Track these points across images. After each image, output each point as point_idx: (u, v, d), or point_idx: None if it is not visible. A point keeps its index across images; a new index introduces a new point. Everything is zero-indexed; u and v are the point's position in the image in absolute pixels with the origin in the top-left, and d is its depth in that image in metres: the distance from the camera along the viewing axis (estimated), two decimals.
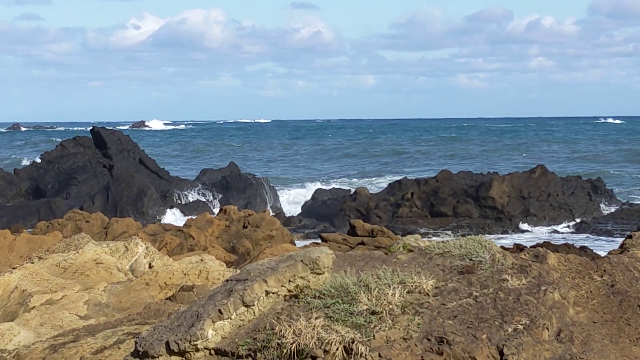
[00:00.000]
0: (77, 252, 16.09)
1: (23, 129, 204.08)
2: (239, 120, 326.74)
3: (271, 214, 35.94)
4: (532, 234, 47.88)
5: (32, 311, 13.64)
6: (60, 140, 59.55)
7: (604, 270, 9.50)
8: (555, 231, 49.11)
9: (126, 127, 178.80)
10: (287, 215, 50.15)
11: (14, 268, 15.86)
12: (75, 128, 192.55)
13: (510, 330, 7.87)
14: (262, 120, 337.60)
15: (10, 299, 14.35)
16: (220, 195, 51.19)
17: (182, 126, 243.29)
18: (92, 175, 50.92)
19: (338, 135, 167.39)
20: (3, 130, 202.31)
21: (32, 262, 15.99)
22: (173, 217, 45.26)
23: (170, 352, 8.06)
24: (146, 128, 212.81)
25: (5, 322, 13.42)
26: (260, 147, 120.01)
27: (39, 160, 53.40)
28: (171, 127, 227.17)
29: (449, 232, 44.60)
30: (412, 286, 8.36)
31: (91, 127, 58.12)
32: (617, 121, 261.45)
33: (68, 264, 15.86)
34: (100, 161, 52.55)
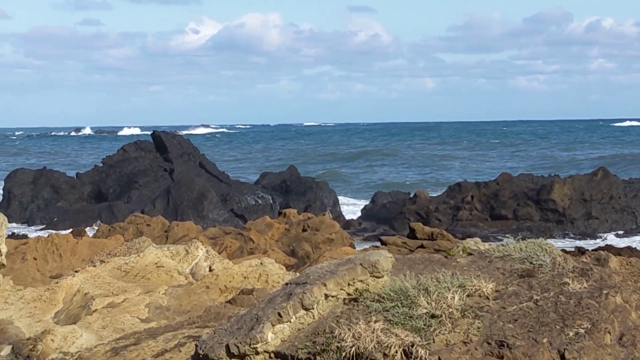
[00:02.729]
0: (139, 256, 16.22)
1: (85, 132, 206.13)
2: (305, 124, 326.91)
3: (330, 217, 35.96)
4: (594, 237, 47.43)
5: (94, 314, 13.78)
6: (122, 144, 60.04)
7: None
8: (618, 234, 48.59)
9: (185, 132, 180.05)
10: (347, 218, 50.14)
11: (76, 271, 16.03)
12: (135, 132, 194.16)
13: (571, 334, 7.80)
14: (322, 123, 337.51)
15: (73, 301, 14.50)
16: (280, 199, 51.31)
17: (237, 128, 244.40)
18: (153, 179, 51.27)
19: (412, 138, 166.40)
20: (65, 134, 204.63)
21: (94, 266, 16.15)
22: None
23: (230, 355, 8.09)
24: (205, 131, 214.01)
25: (68, 324, 13.57)
26: (325, 150, 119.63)
27: (100, 165, 53.87)
28: (226, 130, 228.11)
29: (509, 235, 44.30)
30: (471, 289, 8.31)
31: (152, 132, 58.53)
32: None
33: (129, 267, 15.99)
34: (161, 165, 52.92)
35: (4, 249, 16.96)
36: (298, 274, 11.13)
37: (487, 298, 8.27)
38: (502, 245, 9.43)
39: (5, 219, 17.31)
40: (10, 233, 31.70)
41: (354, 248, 28.54)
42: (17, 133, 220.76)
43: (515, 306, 8.17)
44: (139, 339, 12.33)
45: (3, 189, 48.41)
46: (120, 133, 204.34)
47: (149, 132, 63.58)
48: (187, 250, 16.90)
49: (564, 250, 10.32)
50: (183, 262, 16.60)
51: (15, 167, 55.54)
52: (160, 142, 54.64)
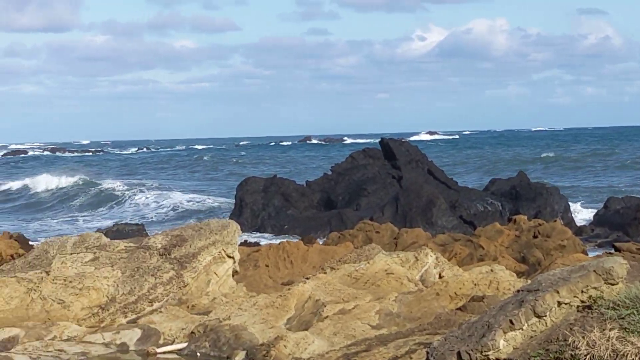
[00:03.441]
0: (368, 263, 16.34)
1: (313, 141, 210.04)
2: (532, 129, 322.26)
3: (562, 223, 35.28)
4: None
5: (326, 320, 13.95)
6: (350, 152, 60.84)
7: None
8: None
9: (410, 139, 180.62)
10: (578, 224, 49.08)
11: (307, 278, 16.30)
12: (362, 140, 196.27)
13: None
14: (550, 128, 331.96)
15: (304, 308, 14.73)
16: (509, 205, 50.69)
17: (463, 135, 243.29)
18: (382, 186, 51.64)
19: None
20: (295, 142, 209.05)
21: (325, 272, 16.36)
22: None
23: None
24: (430, 137, 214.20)
25: (299, 331, 13.79)
26: (554, 154, 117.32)
27: (329, 172, 54.73)
28: (451, 137, 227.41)
29: None
30: None
31: (380, 139, 59.00)
32: None
33: (359, 274, 16.12)
34: (390, 172, 53.24)
35: (237, 256, 17.44)
36: (529, 281, 10.95)
37: None
38: None
39: (238, 226, 17.80)
40: (242, 240, 32.59)
41: (587, 255, 27.87)
42: (241, 143, 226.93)
43: None
44: (370, 346, 12.41)
45: (235, 198, 49.80)
46: (347, 141, 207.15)
47: (376, 140, 63.77)
48: (416, 257, 16.91)
49: None
50: (412, 269, 16.62)
51: (246, 176, 57.09)
52: (389, 149, 55.00)
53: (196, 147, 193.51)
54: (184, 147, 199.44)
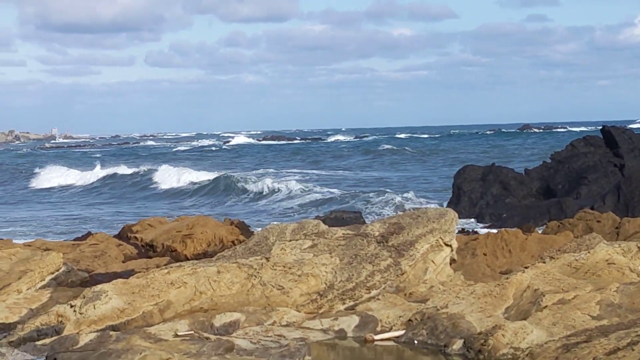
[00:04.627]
0: (588, 252, 15.99)
1: (534, 130, 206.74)
2: None
3: None
4: None
5: (544, 310, 13.74)
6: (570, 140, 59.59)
7: None
8: None
9: (636, 125, 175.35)
10: None
11: (526, 267, 16.09)
12: (581, 129, 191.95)
13: None
14: None
15: (523, 297, 14.55)
16: None
17: None
18: (603, 174, 50.36)
19: None
20: (513, 130, 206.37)
21: (544, 262, 16.12)
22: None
23: None
24: None
25: (518, 320, 13.64)
26: None
27: (549, 161, 53.78)
28: None
29: None
30: None
31: (601, 127, 57.57)
32: None
33: (579, 264, 15.80)
34: (611, 160, 51.88)
35: (455, 245, 17.39)
36: None
37: None
38: None
39: (456, 215, 17.74)
40: (460, 229, 32.47)
41: None
42: (451, 131, 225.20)
43: None
44: (590, 337, 12.15)
45: (453, 186, 49.62)
46: (571, 129, 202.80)
47: (597, 128, 62.18)
48: (638, 247, 16.42)
49: None
50: (635, 259, 16.15)
51: (465, 164, 56.82)
52: (610, 136, 53.59)
53: (398, 135, 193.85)
54: (384, 135, 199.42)
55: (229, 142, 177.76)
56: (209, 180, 65.47)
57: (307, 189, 58.71)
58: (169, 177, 68.76)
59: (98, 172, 76.65)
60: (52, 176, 77.80)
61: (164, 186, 66.70)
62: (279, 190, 58.52)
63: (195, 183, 65.65)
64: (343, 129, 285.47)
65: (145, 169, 75.20)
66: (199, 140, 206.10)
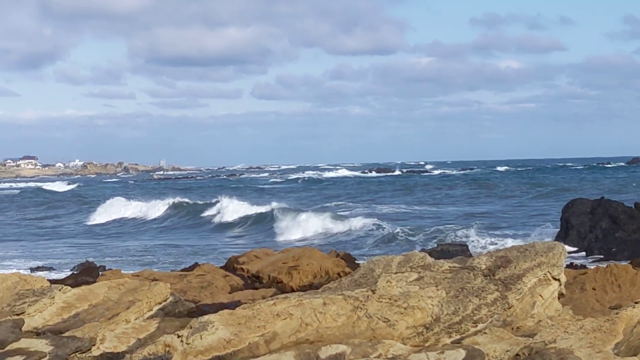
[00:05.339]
0: None
1: None
2: None
3: None
4: None
5: None
6: None
7: None
8: None
9: None
10: None
11: (636, 302, 15.79)
12: None
13: None
14: None
15: (633, 333, 14.29)
16: None
17: None
18: None
19: None
20: (622, 164, 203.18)
21: None
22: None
23: None
24: None
25: (628, 356, 13.39)
26: None
27: None
28: None
29: None
30: None
31: None
32: None
33: None
34: None
35: (563, 279, 17.15)
36: None
37: None
38: None
39: (565, 248, 17.51)
40: (569, 263, 32.03)
41: None
42: (558, 164, 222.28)
43: None
44: None
45: (561, 219, 49.02)
46: None
47: None
48: None
49: None
50: None
51: (574, 197, 56.06)
52: None
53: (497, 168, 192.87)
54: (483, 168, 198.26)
55: (327, 174, 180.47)
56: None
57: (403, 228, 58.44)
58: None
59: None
60: (159, 207, 78.66)
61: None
62: (378, 227, 57.63)
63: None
64: (449, 162, 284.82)
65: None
66: (305, 172, 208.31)
